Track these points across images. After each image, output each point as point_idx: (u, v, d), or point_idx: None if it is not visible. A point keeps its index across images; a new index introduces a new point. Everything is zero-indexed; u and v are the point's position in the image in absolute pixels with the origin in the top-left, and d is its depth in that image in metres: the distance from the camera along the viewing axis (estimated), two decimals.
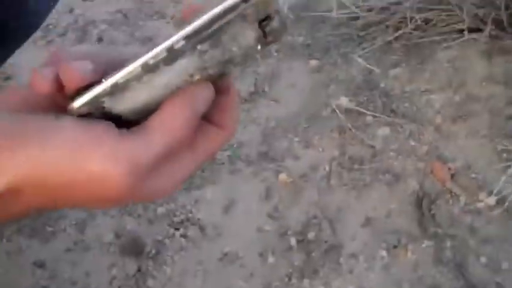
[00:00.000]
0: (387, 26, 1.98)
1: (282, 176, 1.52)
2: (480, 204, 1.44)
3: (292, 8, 2.10)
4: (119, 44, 1.94)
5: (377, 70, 1.85)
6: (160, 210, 1.43)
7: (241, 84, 1.84)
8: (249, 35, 0.41)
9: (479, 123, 1.65)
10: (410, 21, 1.93)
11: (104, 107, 0.42)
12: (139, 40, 1.97)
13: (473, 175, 1.51)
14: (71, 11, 2.08)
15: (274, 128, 1.68)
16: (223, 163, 1.56)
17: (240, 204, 1.46)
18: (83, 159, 0.39)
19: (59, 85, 0.42)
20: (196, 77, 0.42)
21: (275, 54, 1.99)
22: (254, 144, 1.63)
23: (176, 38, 0.40)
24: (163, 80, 0.42)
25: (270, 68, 1.92)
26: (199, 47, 0.40)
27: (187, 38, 0.40)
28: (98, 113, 0.43)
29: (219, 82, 0.44)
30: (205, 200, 1.46)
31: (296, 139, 1.64)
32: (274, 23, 0.41)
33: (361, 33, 2.01)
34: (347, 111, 1.71)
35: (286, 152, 1.60)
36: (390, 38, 1.95)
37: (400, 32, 1.94)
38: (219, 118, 0.46)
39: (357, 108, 1.71)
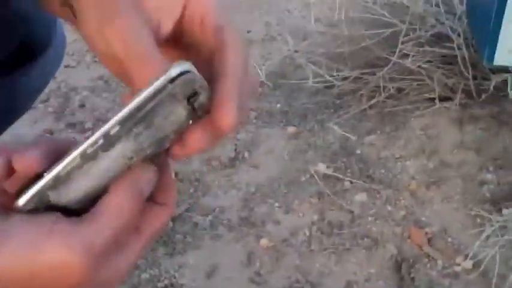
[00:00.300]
0: (361, 95, 2.06)
1: (263, 241, 1.55)
2: (457, 268, 1.48)
3: (269, 76, 2.17)
4: (101, 110, 1.98)
5: (353, 137, 1.91)
6: (144, 275, 1.44)
7: (221, 150, 1.88)
8: (179, 112, 0.43)
9: (452, 189, 1.71)
10: (384, 90, 2.00)
11: (49, 201, 0.44)
12: (121, 106, 2.01)
13: (449, 239, 1.55)
14: (54, 77, 2.12)
15: (254, 193, 1.72)
16: (205, 228, 1.59)
17: (223, 270, 1.48)
18: (40, 254, 0.40)
19: (9, 172, 0.43)
20: (135, 159, 0.44)
21: (254, 121, 2.04)
22: (235, 209, 1.66)
23: (111, 123, 0.42)
24: (103, 166, 0.43)
25: (250, 134, 1.97)
26: (134, 129, 0.42)
27: (121, 122, 0.42)
28: (44, 207, 0.44)
29: (156, 160, 0.46)
30: (188, 265, 1.48)
31: (276, 204, 1.67)
32: (202, 98, 0.43)
33: (337, 101, 2.08)
34: (325, 177, 1.75)
35: (266, 217, 1.63)
36: (365, 106, 2.02)
37: (374, 100, 2.01)
38: (162, 196, 0.48)
39: (335, 174, 1.76)
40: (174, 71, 0.41)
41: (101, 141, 0.42)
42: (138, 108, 0.42)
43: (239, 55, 0.47)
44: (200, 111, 0.44)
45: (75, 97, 2.06)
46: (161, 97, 0.41)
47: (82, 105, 2.02)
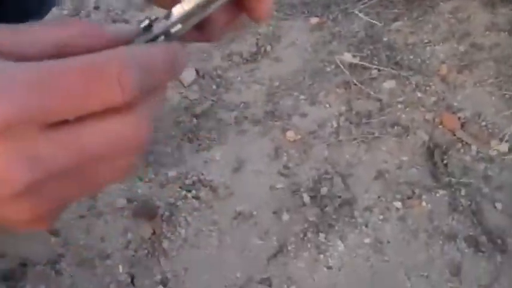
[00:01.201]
0: None
1: (290, 134, 1.50)
2: (492, 152, 1.43)
3: None
4: (117, 10, 1.91)
5: (379, 24, 1.83)
6: (171, 173, 1.41)
7: (242, 45, 1.82)
8: None
9: (485, 72, 1.64)
10: None
11: None
12: (135, 6, 1.94)
13: (483, 123, 1.50)
14: None
15: (278, 86, 1.66)
16: (230, 124, 1.55)
17: (250, 164, 1.44)
18: None
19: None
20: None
21: (275, 13, 1.96)
22: (259, 103, 1.61)
23: (172, 21, 0.40)
24: None
25: (271, 27, 1.89)
26: (192, 22, 0.40)
27: (183, 21, 0.40)
28: None
29: None
30: (214, 161, 1.45)
31: (302, 96, 1.62)
32: None
33: None
34: (351, 66, 1.69)
35: (292, 109, 1.58)
36: None
37: None
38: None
39: (361, 62, 1.69)
40: None
41: (161, 38, 0.39)
42: (201, 5, 0.40)
43: None
44: None
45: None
46: None
47: (97, 7, 1.96)
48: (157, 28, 0.39)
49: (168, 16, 0.39)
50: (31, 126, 0.31)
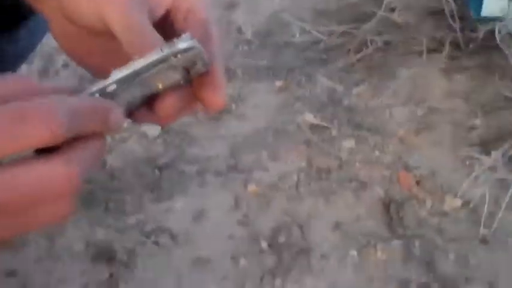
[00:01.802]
0: (349, 49, 2.04)
1: (251, 187, 1.53)
2: (446, 207, 1.47)
3: (255, 35, 2.15)
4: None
5: (340, 88, 1.89)
6: (130, 220, 1.43)
7: None
8: (175, 77, 0.46)
9: (441, 134, 1.70)
10: (371, 44, 1.99)
11: None
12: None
13: (438, 181, 1.54)
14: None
15: (241, 143, 1.70)
16: (192, 176, 1.57)
17: (210, 214, 1.47)
18: None
19: None
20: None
21: (241, 76, 2.02)
22: (222, 158, 1.64)
23: (109, 81, 0.44)
24: None
25: (236, 89, 1.95)
26: (129, 89, 0.45)
27: (119, 82, 0.44)
28: None
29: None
30: (175, 210, 1.47)
31: (264, 152, 1.66)
32: (198, 66, 0.46)
33: (324, 56, 2.06)
34: (313, 127, 1.74)
35: (254, 164, 1.62)
36: (352, 60, 2.00)
37: (361, 54, 1.99)
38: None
39: (322, 123, 1.74)
40: (181, 45, 0.44)
41: (96, 95, 0.44)
42: (137, 73, 0.44)
43: (221, 47, 0.51)
44: (195, 74, 0.47)
45: (59, 57, 2.03)
46: (161, 66, 0.44)
47: (66, 65, 2.00)
48: (94, 86, 0.44)
49: (106, 78, 0.44)
50: None
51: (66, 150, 0.37)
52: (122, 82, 0.44)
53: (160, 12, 0.52)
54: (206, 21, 0.51)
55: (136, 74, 0.44)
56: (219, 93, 0.48)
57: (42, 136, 0.35)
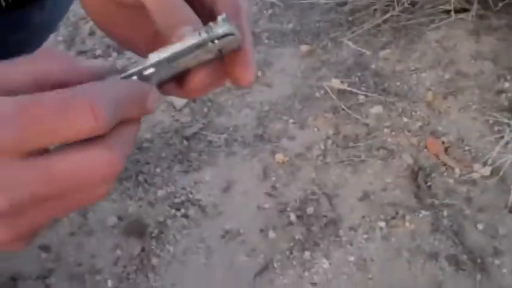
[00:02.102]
0: (375, 10, 2.01)
1: (279, 156, 1.54)
2: (475, 175, 1.46)
3: None
4: None
5: (367, 52, 1.88)
6: (161, 192, 1.45)
7: None
8: (208, 57, 0.46)
9: (469, 98, 1.68)
10: (398, 4, 1.96)
11: None
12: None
13: (466, 147, 1.54)
14: None
15: (268, 111, 1.70)
16: (219, 146, 1.58)
17: (238, 185, 1.48)
18: None
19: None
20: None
21: (266, 41, 2.01)
22: (249, 127, 1.65)
23: (147, 64, 0.44)
24: None
25: (262, 54, 1.94)
26: (164, 71, 0.45)
27: (157, 66, 0.44)
28: None
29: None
30: (204, 181, 1.48)
31: (291, 120, 1.66)
32: (232, 47, 0.46)
33: (350, 18, 2.04)
34: (339, 92, 1.73)
35: (281, 133, 1.62)
36: (378, 21, 1.98)
37: (388, 15, 1.97)
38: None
39: (349, 88, 1.74)
40: (220, 30, 0.44)
41: (134, 78, 0.44)
42: (175, 57, 0.44)
43: (250, 21, 0.50)
44: (225, 53, 0.47)
45: (85, 26, 2.03)
46: (199, 51, 0.45)
47: (92, 33, 2.00)
48: (131, 68, 0.44)
49: (144, 60, 0.44)
50: (7, 155, 0.35)
51: (108, 136, 0.38)
52: (159, 65, 0.44)
53: None
54: None
55: (174, 57, 0.44)
56: (250, 70, 0.48)
57: (88, 126, 0.35)
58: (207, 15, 0.48)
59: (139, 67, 0.44)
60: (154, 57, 0.44)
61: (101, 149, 0.37)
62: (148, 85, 0.43)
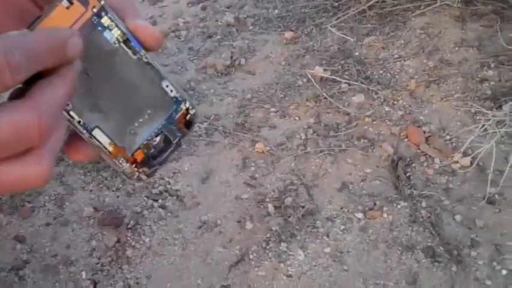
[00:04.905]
0: None
1: (259, 145, 1.53)
2: (455, 165, 1.45)
3: None
4: None
5: (351, 39, 1.86)
6: (138, 182, 1.44)
7: (217, 58, 1.85)
8: None
9: (452, 87, 1.67)
10: None
11: None
12: None
13: (447, 137, 1.53)
14: None
15: (250, 99, 1.69)
16: (200, 135, 1.57)
17: (218, 174, 1.47)
18: None
19: None
20: None
21: (250, 27, 2.00)
22: (230, 115, 1.64)
23: None
24: None
25: (246, 41, 1.93)
26: None
27: None
28: None
29: None
30: (183, 172, 1.47)
31: (272, 109, 1.65)
32: None
33: (335, 3, 2.02)
34: (322, 80, 1.72)
35: (262, 122, 1.61)
36: (364, 6, 1.96)
37: (373, 0, 1.95)
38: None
39: (332, 76, 1.72)
40: None
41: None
42: None
43: None
44: None
45: None
46: None
47: None
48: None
49: None
50: None
51: (31, 95, 0.36)
52: None
53: None
54: None
55: None
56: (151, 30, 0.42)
57: (5, 77, 0.33)
58: None
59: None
60: None
61: (24, 108, 0.35)
62: (68, 29, 0.37)
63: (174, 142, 0.41)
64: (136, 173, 0.41)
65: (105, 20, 0.38)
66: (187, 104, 0.41)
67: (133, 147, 0.40)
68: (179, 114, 0.42)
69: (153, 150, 0.41)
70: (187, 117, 0.41)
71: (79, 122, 0.39)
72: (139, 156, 0.41)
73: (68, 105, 0.39)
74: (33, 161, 0.37)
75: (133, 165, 0.41)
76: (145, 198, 1.40)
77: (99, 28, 0.38)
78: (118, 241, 1.31)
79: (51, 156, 0.38)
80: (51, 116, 0.36)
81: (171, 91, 0.40)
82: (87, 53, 0.38)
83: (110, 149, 0.40)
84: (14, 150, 0.37)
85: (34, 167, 0.37)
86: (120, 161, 0.40)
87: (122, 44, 0.39)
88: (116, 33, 0.39)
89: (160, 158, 0.41)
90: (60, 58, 0.38)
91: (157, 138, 0.41)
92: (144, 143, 0.41)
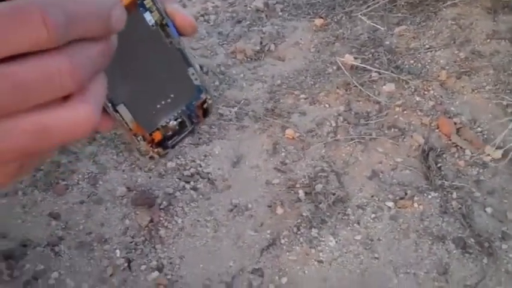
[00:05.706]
0: None
1: (289, 131, 1.53)
2: (486, 157, 1.46)
3: None
4: None
5: (382, 28, 1.86)
6: (170, 164, 1.45)
7: (246, 43, 1.85)
8: None
9: (484, 79, 1.67)
10: None
11: None
12: None
13: (478, 129, 1.53)
14: None
15: (280, 85, 1.70)
16: (230, 119, 1.58)
17: (248, 159, 1.48)
18: None
19: None
20: None
21: (280, 13, 2.00)
22: (260, 101, 1.64)
23: None
24: None
25: (275, 27, 1.93)
26: None
27: None
28: None
29: None
30: (214, 155, 1.48)
31: (302, 96, 1.65)
32: None
33: None
34: (352, 68, 1.72)
35: (292, 108, 1.62)
36: None
37: None
38: None
39: (362, 65, 1.72)
40: None
41: None
42: None
43: None
44: None
45: None
46: None
47: None
48: None
49: None
50: None
51: (63, 46, 0.35)
52: None
53: None
54: None
55: None
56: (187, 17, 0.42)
57: (38, 35, 0.33)
58: None
59: None
60: None
61: (53, 52, 0.34)
62: (116, 0, 0.36)
63: (190, 128, 0.42)
64: (151, 152, 0.42)
65: (147, 2, 0.39)
66: (207, 94, 0.42)
67: (153, 127, 0.41)
68: (199, 102, 0.42)
69: (170, 133, 0.42)
70: (205, 105, 0.42)
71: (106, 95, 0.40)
72: (157, 136, 0.42)
73: None
74: (78, 102, 0.36)
75: (150, 145, 0.41)
76: (177, 180, 1.41)
77: (141, 8, 0.39)
78: (151, 221, 1.32)
79: (96, 100, 0.37)
80: (86, 68, 0.35)
81: (196, 79, 0.41)
82: (124, 30, 0.38)
83: (131, 126, 0.40)
84: (50, 95, 0.35)
85: (81, 108, 0.36)
86: (139, 139, 0.41)
87: (158, 28, 0.40)
88: (155, 16, 0.40)
89: (174, 141, 0.41)
90: (104, 28, 0.37)
91: (175, 122, 0.42)
92: (163, 125, 0.41)
